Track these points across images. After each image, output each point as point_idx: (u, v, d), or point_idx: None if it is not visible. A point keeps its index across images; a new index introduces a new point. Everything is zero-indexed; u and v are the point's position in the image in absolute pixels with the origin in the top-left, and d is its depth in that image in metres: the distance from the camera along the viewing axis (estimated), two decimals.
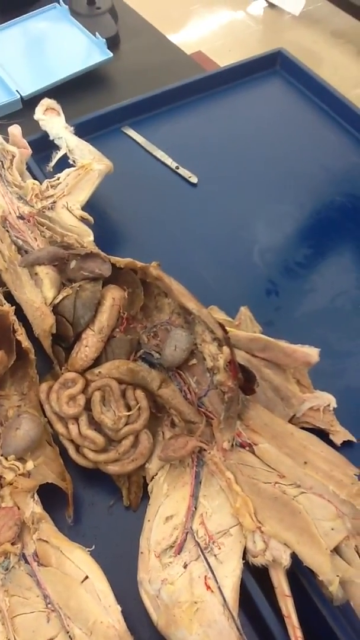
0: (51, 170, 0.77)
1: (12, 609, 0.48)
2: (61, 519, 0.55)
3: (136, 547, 0.54)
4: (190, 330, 0.59)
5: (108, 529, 0.56)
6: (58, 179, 0.72)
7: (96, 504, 0.58)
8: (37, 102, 0.92)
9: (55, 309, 0.59)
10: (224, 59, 1.07)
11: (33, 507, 0.52)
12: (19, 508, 0.51)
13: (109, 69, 1.02)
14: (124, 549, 0.53)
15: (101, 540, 0.55)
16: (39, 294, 0.60)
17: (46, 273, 0.61)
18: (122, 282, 0.62)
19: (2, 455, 0.54)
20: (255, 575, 0.50)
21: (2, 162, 0.70)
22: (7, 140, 0.75)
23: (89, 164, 0.72)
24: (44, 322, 0.58)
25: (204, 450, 0.54)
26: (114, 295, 0.59)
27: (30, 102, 0.95)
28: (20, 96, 0.94)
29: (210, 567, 0.49)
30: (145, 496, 0.56)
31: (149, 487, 0.55)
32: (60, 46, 1.02)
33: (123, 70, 1.03)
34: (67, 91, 0.95)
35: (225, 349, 0.55)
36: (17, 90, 0.94)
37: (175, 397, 0.55)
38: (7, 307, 0.59)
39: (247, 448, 0.54)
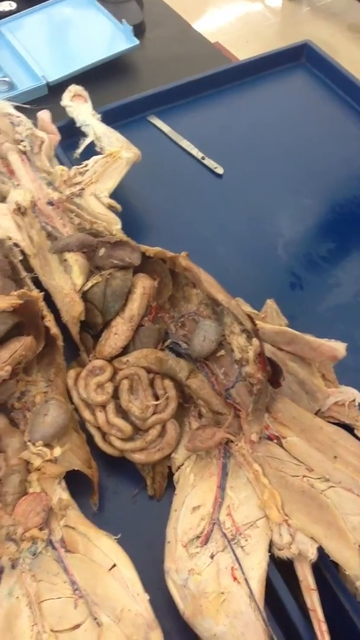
0: (77, 157, 0.76)
1: (39, 594, 0.48)
2: (85, 506, 0.55)
3: (160, 537, 0.54)
4: (218, 321, 0.59)
5: (131, 517, 0.56)
6: (86, 166, 0.71)
7: (120, 493, 0.58)
8: (62, 89, 0.91)
9: (84, 296, 0.59)
10: (241, 51, 1.06)
11: (60, 494, 0.52)
12: (46, 494, 0.51)
13: (133, 57, 1.01)
14: (147, 538, 0.53)
15: (124, 528, 0.54)
16: (68, 280, 0.60)
17: (75, 260, 0.61)
18: (150, 271, 0.62)
19: (29, 441, 0.54)
20: (279, 568, 0.50)
21: (31, 147, 0.70)
22: (34, 125, 0.75)
23: (117, 151, 0.72)
24: (73, 309, 0.58)
25: (231, 441, 0.54)
26: (144, 284, 0.59)
27: (55, 88, 0.94)
28: (46, 82, 0.93)
29: (237, 558, 0.49)
30: (169, 486, 0.56)
31: (175, 477, 0.55)
32: (86, 32, 1.01)
33: (147, 59, 1.02)
34: (91, 78, 0.94)
35: (255, 341, 0.55)
36: (42, 76, 0.93)
37: (204, 387, 0.55)
38: (37, 293, 0.58)
39: (275, 441, 0.54)
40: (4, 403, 0.56)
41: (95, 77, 0.95)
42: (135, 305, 0.58)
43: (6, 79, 0.95)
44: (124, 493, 0.58)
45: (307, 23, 2.70)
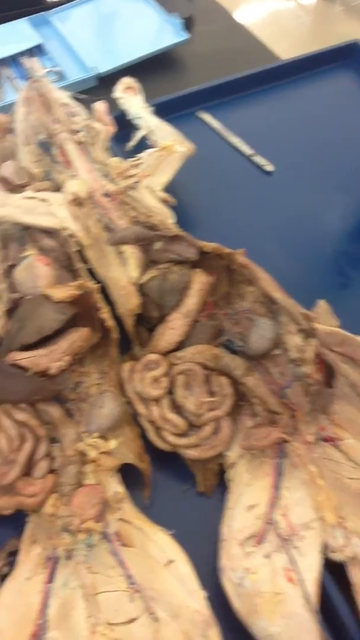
0: (129, 149, 0.76)
1: (95, 586, 0.48)
2: (133, 500, 0.55)
3: (209, 534, 0.54)
4: (274, 320, 0.58)
5: (180, 513, 0.56)
6: (139, 159, 0.71)
7: (169, 488, 0.57)
8: (110, 81, 0.91)
9: (140, 289, 0.59)
10: (274, 48, 1.06)
11: (115, 487, 0.52)
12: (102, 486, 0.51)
13: (180, 51, 1.01)
14: (196, 535, 0.53)
15: (173, 524, 0.54)
16: (124, 272, 0.60)
17: (132, 252, 0.61)
18: (205, 267, 0.62)
19: (85, 433, 0.54)
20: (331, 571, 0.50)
21: (87, 138, 0.69)
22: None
23: (171, 145, 0.71)
24: (129, 302, 0.58)
25: (287, 441, 0.54)
26: (201, 280, 0.58)
27: (103, 80, 0.94)
28: (96, 73, 0.93)
29: (292, 559, 0.48)
30: (220, 484, 0.56)
31: (228, 475, 0.55)
32: (135, 25, 1.01)
33: (195, 53, 1.02)
34: (139, 71, 0.93)
35: (314, 340, 0.54)
36: (92, 67, 0.93)
37: (260, 385, 0.55)
38: (93, 285, 0.58)
39: (331, 443, 0.53)
40: (58, 394, 0.56)
41: (143, 71, 0.94)
42: (192, 301, 0.58)
43: (56, 68, 0.95)
44: (173, 488, 0.58)
45: (340, 23, 2.67)
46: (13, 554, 0.54)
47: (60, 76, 0.94)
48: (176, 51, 1.00)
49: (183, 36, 0.97)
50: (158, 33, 0.99)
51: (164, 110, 0.86)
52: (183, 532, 0.54)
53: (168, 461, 0.57)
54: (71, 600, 0.48)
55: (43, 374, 0.54)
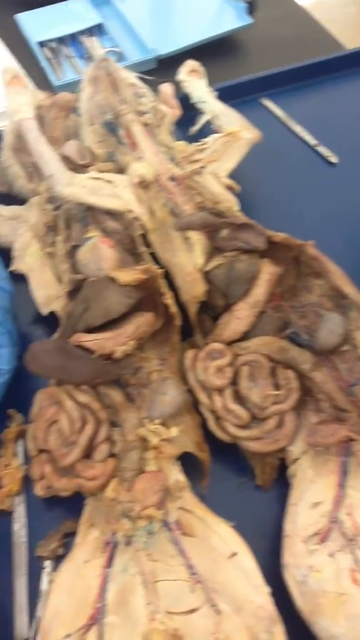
0: (193, 133, 0.75)
1: (155, 574, 0.47)
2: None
3: (265, 528, 0.53)
4: (343, 315, 0.57)
5: (237, 506, 0.55)
6: (204, 143, 0.70)
7: (227, 480, 0.57)
8: (170, 63, 0.90)
9: (206, 277, 0.58)
10: (339, 37, 1.03)
11: (176, 475, 0.51)
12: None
13: (243, 36, 0.99)
14: (252, 529, 0.52)
15: (229, 517, 0.53)
16: (191, 259, 0.58)
17: (198, 239, 0.60)
18: (272, 257, 0.60)
19: (146, 419, 0.53)
20: None
21: (154, 120, 0.68)
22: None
23: (237, 131, 0.70)
24: (194, 289, 0.57)
25: (353, 440, 0.52)
26: (270, 271, 0.57)
27: (162, 62, 0.93)
28: (156, 55, 0.91)
29: (357, 559, 0.47)
30: (277, 478, 0.55)
31: (291, 471, 0.54)
32: (197, 7, 0.98)
33: (257, 39, 0.99)
34: (199, 55, 0.92)
35: None
36: (153, 49, 0.91)
37: (328, 382, 0.54)
38: (158, 270, 0.57)
39: None
40: (120, 378, 0.55)
41: (203, 54, 0.92)
42: (260, 291, 0.56)
43: (116, 49, 0.93)
44: (230, 480, 0.57)
45: None
46: (68, 535, 0.54)
47: (120, 57, 0.93)
48: (237, 36, 0.98)
49: (246, 20, 0.95)
50: (220, 16, 0.97)
51: (225, 96, 0.84)
52: (239, 525, 0.53)
53: (225, 452, 0.56)
54: (130, 586, 0.47)
55: (107, 357, 0.53)
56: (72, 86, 0.86)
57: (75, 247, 0.61)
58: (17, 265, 0.64)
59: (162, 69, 0.92)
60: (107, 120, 0.68)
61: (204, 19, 0.97)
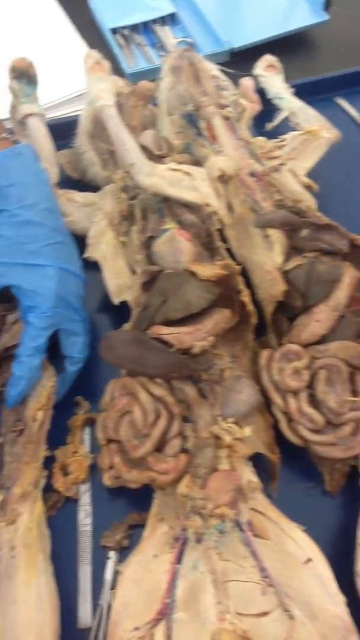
0: (270, 129, 0.74)
1: (225, 574, 0.47)
2: None
3: (332, 534, 0.53)
4: None
5: (304, 510, 0.54)
6: (283, 140, 0.69)
7: (294, 483, 0.56)
8: (242, 56, 0.89)
9: (284, 277, 0.57)
10: None
11: (249, 475, 0.51)
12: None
13: (317, 32, 0.97)
14: (320, 534, 0.51)
15: (297, 521, 0.53)
16: (270, 257, 0.58)
17: (277, 237, 0.59)
18: (352, 261, 0.59)
19: (219, 416, 0.52)
20: None
21: (234, 114, 0.67)
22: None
23: (317, 130, 0.69)
24: (273, 288, 0.56)
25: None
26: (352, 274, 0.56)
27: (234, 55, 0.92)
28: (229, 47, 0.90)
29: None
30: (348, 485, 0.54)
31: None
32: (273, 2, 0.97)
33: (332, 37, 0.98)
34: (272, 50, 0.90)
35: None
36: (226, 41, 0.90)
37: None
38: (236, 266, 0.57)
39: None
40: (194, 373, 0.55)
41: (276, 49, 0.91)
42: (342, 295, 0.55)
43: (189, 39, 0.93)
44: (297, 484, 0.56)
45: None
46: (132, 527, 0.54)
47: (192, 48, 0.92)
48: (312, 32, 0.97)
49: (322, 17, 0.93)
50: (295, 12, 0.96)
51: (298, 93, 0.83)
52: (307, 530, 0.52)
53: (293, 455, 0.56)
54: (200, 584, 0.47)
55: (184, 351, 0.53)
56: (144, 75, 0.86)
57: (151, 238, 0.61)
58: (91, 253, 0.63)
59: (233, 62, 0.91)
60: (187, 111, 0.67)
61: (278, 13, 0.96)
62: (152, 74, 0.84)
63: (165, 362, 0.52)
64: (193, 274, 0.55)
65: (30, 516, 0.50)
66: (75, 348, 0.57)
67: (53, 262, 0.55)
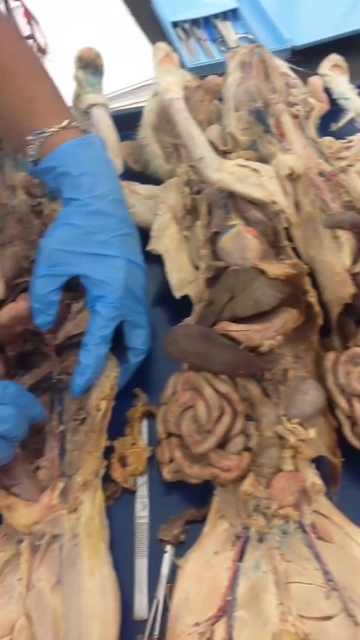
0: (335, 130, 0.73)
1: (288, 575, 0.47)
2: None
3: None
4: None
5: None
6: (350, 141, 0.68)
7: (354, 488, 0.55)
8: (303, 55, 0.88)
9: (353, 279, 0.56)
10: None
11: (313, 478, 0.50)
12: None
13: None
14: None
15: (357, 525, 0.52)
16: (340, 258, 0.57)
17: (347, 238, 0.58)
18: None
19: (284, 417, 0.52)
20: None
21: (302, 112, 0.67)
22: None
23: None
24: (342, 290, 0.56)
25: None
26: None
27: (295, 53, 0.91)
28: (291, 45, 0.89)
29: None
30: None
31: None
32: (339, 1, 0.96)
33: None
34: (335, 49, 0.89)
35: None
36: (289, 39, 0.90)
37: None
38: (305, 266, 0.56)
39: None
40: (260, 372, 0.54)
41: (340, 48, 0.90)
42: None
43: (249, 35, 0.92)
44: (355, 489, 0.55)
45: None
46: (189, 522, 0.54)
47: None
48: None
49: None
50: None
51: None
52: None
53: (356, 460, 0.55)
54: (262, 584, 0.46)
55: (252, 349, 0.52)
56: (204, 69, 0.86)
57: (216, 234, 0.60)
58: (154, 246, 0.63)
59: (294, 60, 0.90)
60: (256, 108, 0.67)
61: (342, 11, 0.94)
62: (212, 69, 0.83)
63: (232, 359, 0.52)
64: (262, 272, 0.54)
65: (92, 505, 0.50)
66: (139, 340, 0.57)
67: (122, 254, 0.55)
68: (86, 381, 0.53)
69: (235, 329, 0.52)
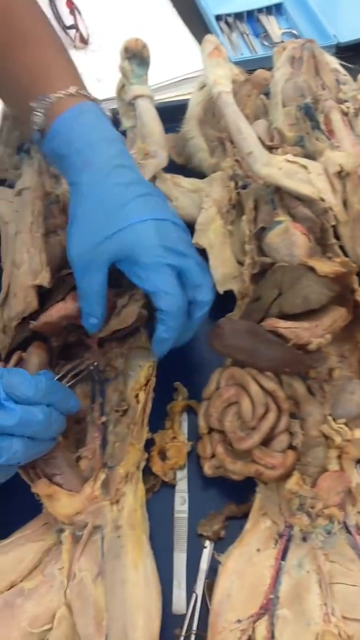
0: None
1: (332, 575, 0.46)
2: None
3: None
4: None
5: None
6: None
7: None
8: (348, 52, 0.87)
9: None
10: None
11: (358, 478, 0.50)
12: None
13: None
14: None
15: None
16: None
17: None
18: None
19: (329, 416, 0.52)
20: None
21: (352, 110, 0.66)
22: None
23: None
24: None
25: None
26: None
27: (341, 50, 0.90)
28: (336, 42, 0.88)
29: None
30: None
31: None
32: None
33: None
34: None
35: None
36: (334, 35, 0.89)
37: None
38: (353, 265, 0.55)
39: None
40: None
41: None
42: None
43: (293, 31, 0.91)
44: None
45: None
46: (229, 518, 0.53)
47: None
48: None
49: None
50: None
51: None
52: None
53: None
54: (305, 583, 0.46)
55: (300, 347, 0.52)
56: (246, 64, 0.85)
57: (262, 229, 0.60)
58: (198, 240, 0.63)
59: (338, 56, 0.89)
60: (305, 103, 0.66)
61: None
62: (255, 64, 0.82)
63: (279, 356, 0.51)
64: (311, 269, 0.54)
65: (134, 497, 0.50)
66: (200, 293, 0.52)
67: (145, 216, 0.50)
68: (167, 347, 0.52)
69: (284, 326, 0.51)
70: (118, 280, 0.55)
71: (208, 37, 0.68)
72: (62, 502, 0.48)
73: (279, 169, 0.61)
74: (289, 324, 0.51)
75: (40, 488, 0.48)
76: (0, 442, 0.42)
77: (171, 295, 0.49)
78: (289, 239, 0.57)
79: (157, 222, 0.50)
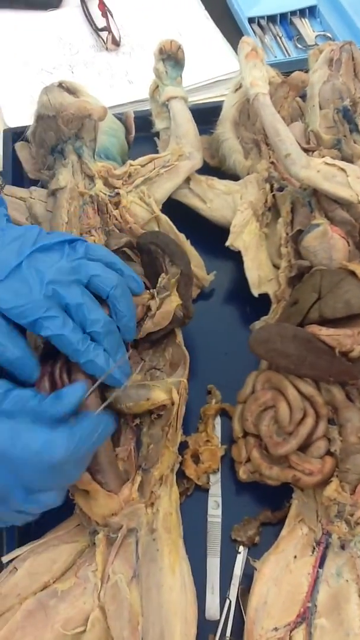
0: None
1: None
2: None
3: None
4: None
5: None
6: None
7: None
8: None
9: None
10: None
11: None
12: None
13: None
14: None
15: None
16: None
17: None
18: None
19: None
20: None
21: None
22: None
23: None
24: None
25: None
26: None
27: None
28: None
29: None
30: None
31: None
32: None
33: None
34: None
35: None
36: None
37: None
38: None
39: None
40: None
41: None
42: None
43: (327, 33, 0.90)
44: None
45: None
46: (264, 524, 0.53)
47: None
48: None
49: None
50: None
51: None
52: None
53: None
54: (344, 593, 0.45)
55: (342, 354, 0.51)
56: (281, 67, 0.84)
57: (299, 232, 0.59)
58: (234, 242, 0.62)
59: None
60: (343, 106, 0.65)
61: None
62: (288, 67, 0.82)
63: (326, 365, 0.50)
64: (352, 273, 0.53)
65: (169, 500, 0.49)
66: None
67: None
68: None
69: (326, 334, 0.50)
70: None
71: (245, 38, 0.67)
72: (99, 502, 0.48)
73: (317, 171, 0.60)
74: (330, 331, 0.50)
75: (82, 481, 0.46)
76: None
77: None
78: (328, 242, 0.56)
79: None
